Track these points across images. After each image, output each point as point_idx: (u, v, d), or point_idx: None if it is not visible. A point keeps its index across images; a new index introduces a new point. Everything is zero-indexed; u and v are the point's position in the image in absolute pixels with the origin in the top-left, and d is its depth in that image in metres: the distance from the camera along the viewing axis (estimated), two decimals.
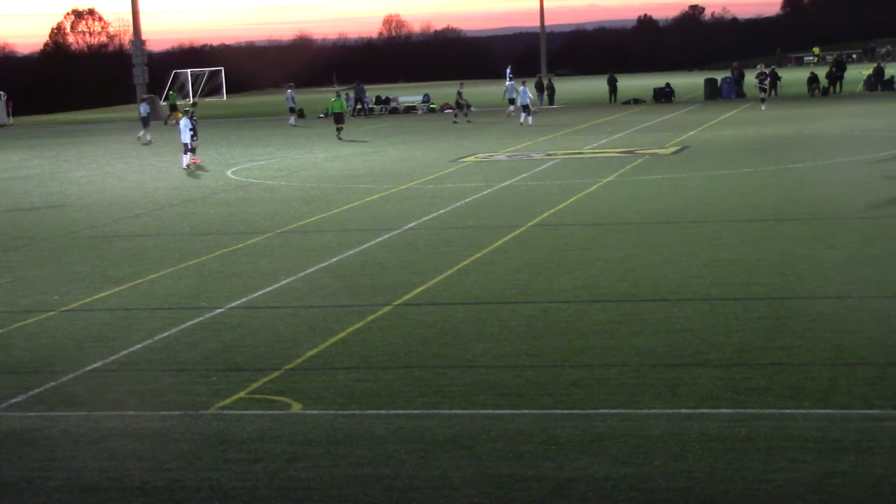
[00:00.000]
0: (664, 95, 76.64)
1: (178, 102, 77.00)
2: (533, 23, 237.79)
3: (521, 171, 36.54)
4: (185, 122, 43.37)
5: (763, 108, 59.58)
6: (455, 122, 63.45)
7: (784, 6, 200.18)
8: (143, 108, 61.91)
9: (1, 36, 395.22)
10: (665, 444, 11.35)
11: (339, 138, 54.78)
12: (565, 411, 12.56)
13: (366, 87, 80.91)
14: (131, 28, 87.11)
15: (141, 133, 59.80)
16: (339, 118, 56.62)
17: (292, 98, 69.69)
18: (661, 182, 32.51)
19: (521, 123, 57.53)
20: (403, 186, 34.33)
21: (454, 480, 10.76)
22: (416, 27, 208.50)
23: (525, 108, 58.28)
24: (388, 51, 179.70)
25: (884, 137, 42.50)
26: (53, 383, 14.68)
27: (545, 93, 79.64)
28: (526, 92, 58.52)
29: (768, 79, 63.73)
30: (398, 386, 13.84)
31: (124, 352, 16.10)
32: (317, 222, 27.90)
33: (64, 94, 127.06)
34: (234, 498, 10.64)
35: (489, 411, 12.74)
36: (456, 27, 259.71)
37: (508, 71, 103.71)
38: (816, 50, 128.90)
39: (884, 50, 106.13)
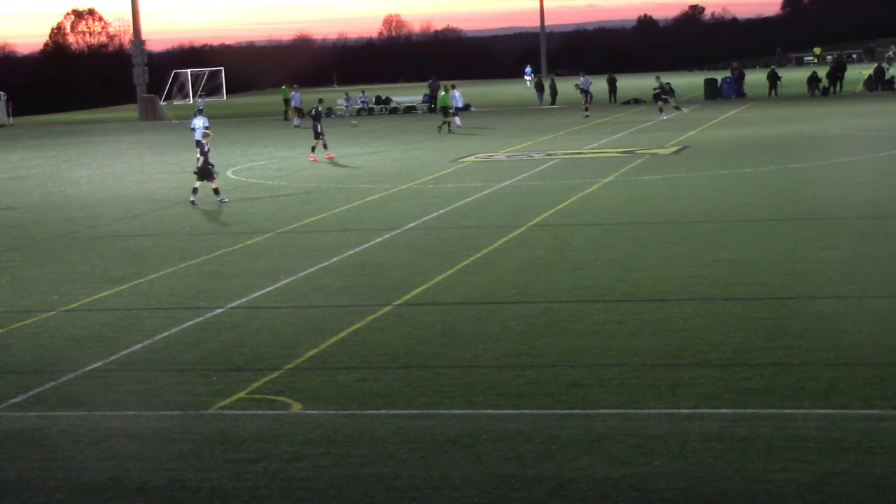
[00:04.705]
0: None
1: (178, 102, 77.30)
2: (533, 23, 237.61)
3: (521, 171, 36.54)
4: (201, 121, 43.58)
5: (664, 117, 58.86)
6: (587, 115, 63.50)
7: (784, 6, 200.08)
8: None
9: (1, 36, 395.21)
10: (665, 444, 11.35)
11: (450, 131, 55.66)
12: (565, 411, 12.57)
13: (365, 87, 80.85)
14: (131, 28, 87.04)
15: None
16: (446, 112, 57.74)
17: (298, 99, 69.40)
18: (661, 182, 32.51)
19: (451, 131, 56.60)
20: (403, 186, 34.34)
21: (454, 480, 10.76)
22: (416, 27, 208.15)
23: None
24: (389, 51, 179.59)
25: (884, 137, 42.49)
26: (53, 383, 14.69)
27: (545, 93, 79.63)
28: (456, 95, 59.19)
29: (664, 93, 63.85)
30: (398, 386, 13.84)
31: (124, 352, 16.10)
32: (317, 222, 27.91)
33: (64, 94, 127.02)
34: (234, 498, 10.64)
35: (489, 411, 12.74)
36: (456, 27, 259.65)
37: (528, 70, 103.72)
38: (817, 50, 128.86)
39: (890, 53, 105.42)
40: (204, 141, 32.71)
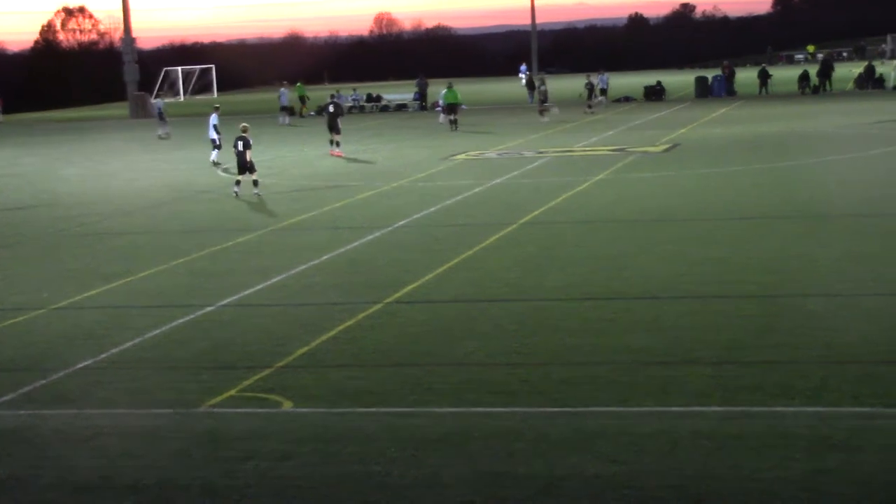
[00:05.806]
0: (655, 93, 76.63)
1: (166, 100, 76.98)
2: (524, 21, 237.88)
3: (512, 169, 36.54)
4: (213, 118, 43.54)
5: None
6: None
7: (774, 4, 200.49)
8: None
9: None
10: (656, 442, 11.36)
11: (455, 128, 54.71)
12: (556, 409, 12.58)
13: (356, 85, 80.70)
14: (122, 26, 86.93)
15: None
16: (452, 109, 56.24)
17: (286, 96, 68.94)
18: (651, 180, 32.54)
19: (455, 129, 55.89)
20: (394, 184, 34.32)
21: (445, 478, 10.76)
22: (407, 25, 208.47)
23: (454, 107, 57.07)
24: (380, 48, 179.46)
25: (874, 135, 42.58)
26: (44, 381, 14.66)
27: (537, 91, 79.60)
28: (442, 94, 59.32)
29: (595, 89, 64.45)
30: (389, 384, 13.84)
31: (115, 349, 16.08)
32: (308, 220, 27.89)
33: (55, 91, 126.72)
34: (224, 496, 10.64)
35: (480, 409, 12.74)
36: (447, 25, 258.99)
37: (523, 68, 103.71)
38: (811, 48, 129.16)
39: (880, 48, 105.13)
40: (246, 135, 32.86)
